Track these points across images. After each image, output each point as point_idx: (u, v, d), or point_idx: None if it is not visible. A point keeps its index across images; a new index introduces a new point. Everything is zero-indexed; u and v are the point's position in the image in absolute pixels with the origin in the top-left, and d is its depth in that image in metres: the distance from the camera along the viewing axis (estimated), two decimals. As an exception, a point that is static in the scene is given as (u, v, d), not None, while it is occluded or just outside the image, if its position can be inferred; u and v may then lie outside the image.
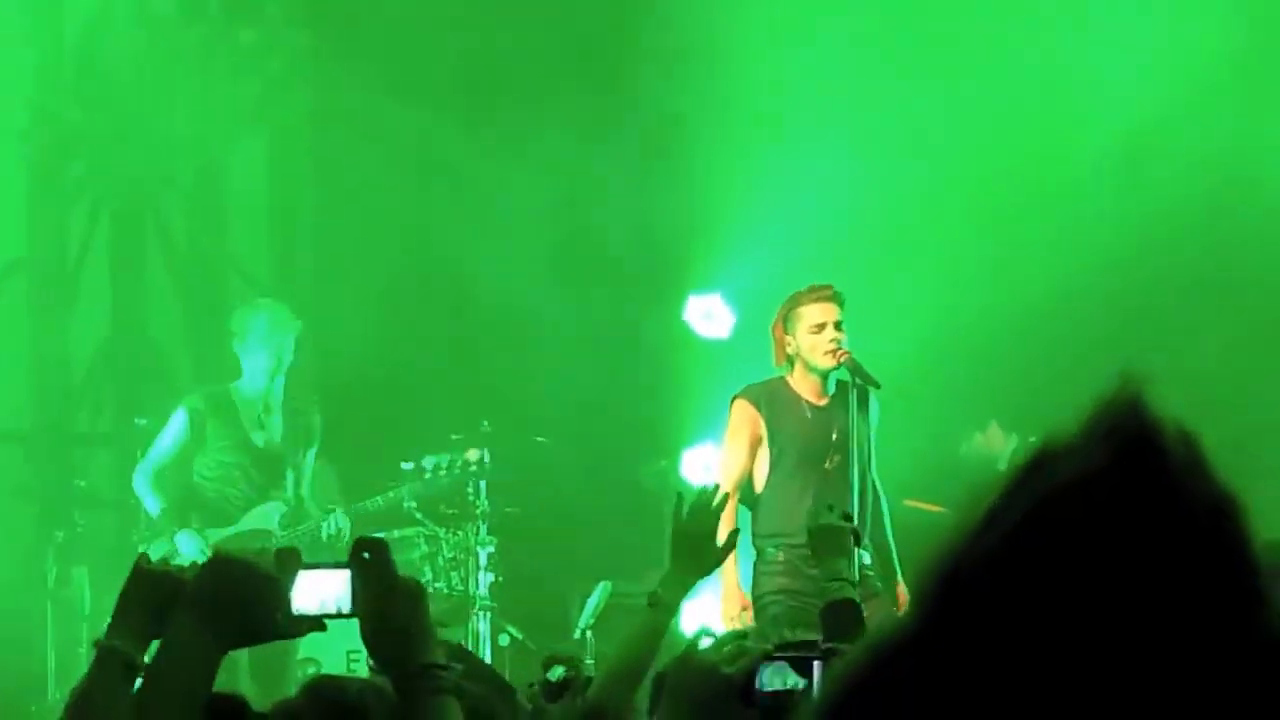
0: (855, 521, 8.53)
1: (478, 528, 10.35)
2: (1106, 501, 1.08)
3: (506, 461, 10.45)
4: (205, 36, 11.96)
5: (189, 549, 9.87)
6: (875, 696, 1.07)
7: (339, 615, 3.11)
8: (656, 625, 4.88)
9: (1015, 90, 10.73)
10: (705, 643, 4.31)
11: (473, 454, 10.13)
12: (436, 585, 10.09)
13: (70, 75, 11.78)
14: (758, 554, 8.87)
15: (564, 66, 11.56)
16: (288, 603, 3.06)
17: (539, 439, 10.87)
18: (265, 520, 9.91)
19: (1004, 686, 1.04)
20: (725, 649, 4.15)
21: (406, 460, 10.17)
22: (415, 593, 3.11)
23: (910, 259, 10.64)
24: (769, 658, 4.09)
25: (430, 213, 11.43)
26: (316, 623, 3.11)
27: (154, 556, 10.58)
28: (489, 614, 10.16)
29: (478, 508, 10.38)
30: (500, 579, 10.39)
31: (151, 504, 9.97)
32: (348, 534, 9.81)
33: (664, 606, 4.91)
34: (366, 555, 3.13)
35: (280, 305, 10.29)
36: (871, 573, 8.50)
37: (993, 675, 1.05)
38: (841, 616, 5.28)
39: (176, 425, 9.99)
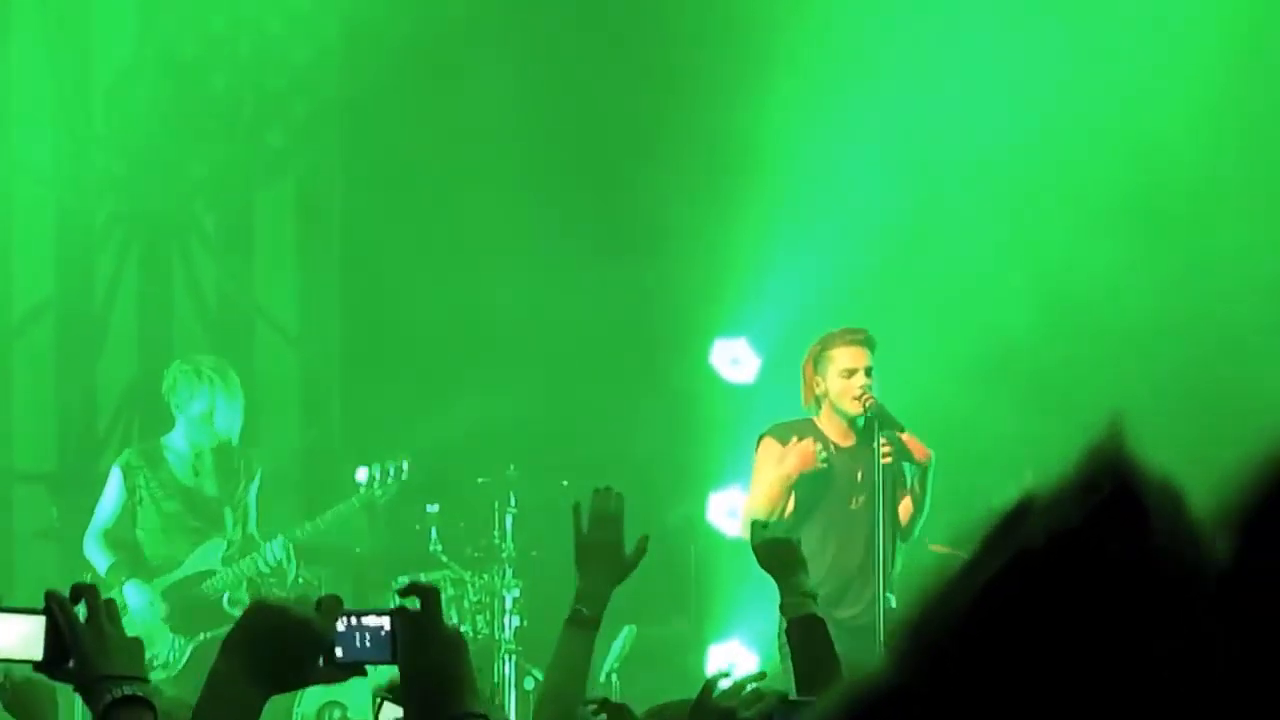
0: (880, 565, 8.56)
1: (503, 571, 10.36)
2: (1079, 562, 1.07)
3: (532, 507, 10.46)
4: (232, 84, 11.99)
5: (136, 600, 9.92)
6: None
7: (380, 661, 3.11)
8: (582, 642, 4.83)
9: (1051, 121, 10.65)
10: (724, 684, 4.30)
11: (403, 464, 10.10)
12: (463, 629, 10.08)
13: (97, 119, 11.81)
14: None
15: (595, 132, 11.52)
16: (329, 648, 3.07)
17: (563, 483, 10.85)
18: (208, 560, 9.99)
19: None
20: (744, 693, 4.14)
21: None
22: (459, 643, 3.12)
23: (937, 301, 10.60)
24: (786, 702, 4.07)
25: (460, 264, 11.41)
26: (357, 668, 3.11)
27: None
28: (514, 657, 10.16)
29: (503, 551, 10.39)
30: (526, 622, 10.38)
31: (100, 564, 10.03)
32: (289, 561, 9.86)
33: (584, 622, 4.85)
34: (415, 603, 3.13)
35: (202, 364, 10.19)
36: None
37: None
38: (809, 635, 5.13)
39: (113, 485, 10.14)
